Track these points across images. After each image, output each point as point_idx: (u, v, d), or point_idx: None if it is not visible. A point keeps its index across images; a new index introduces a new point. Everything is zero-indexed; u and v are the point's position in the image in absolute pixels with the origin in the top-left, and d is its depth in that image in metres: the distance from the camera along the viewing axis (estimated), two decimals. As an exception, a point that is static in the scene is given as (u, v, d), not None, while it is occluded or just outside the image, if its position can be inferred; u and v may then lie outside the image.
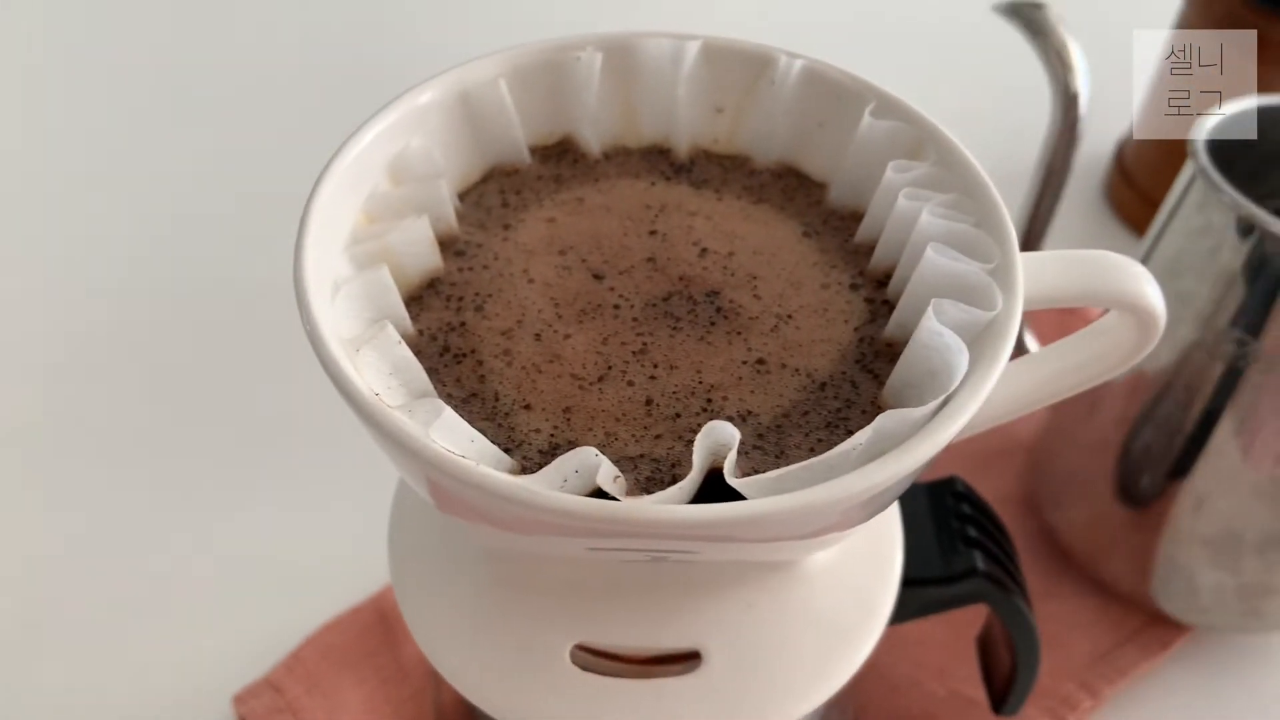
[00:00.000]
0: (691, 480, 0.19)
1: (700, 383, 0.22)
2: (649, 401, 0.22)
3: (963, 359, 0.20)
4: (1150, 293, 0.23)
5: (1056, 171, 0.39)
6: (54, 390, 0.50)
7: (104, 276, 0.56)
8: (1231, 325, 0.34)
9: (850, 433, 0.21)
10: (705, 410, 0.22)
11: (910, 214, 0.23)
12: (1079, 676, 0.40)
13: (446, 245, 0.25)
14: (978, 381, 0.20)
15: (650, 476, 0.20)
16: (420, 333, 0.23)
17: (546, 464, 0.19)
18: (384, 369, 0.21)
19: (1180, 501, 0.37)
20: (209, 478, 0.47)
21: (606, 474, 0.19)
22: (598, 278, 0.24)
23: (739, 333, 0.23)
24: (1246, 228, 0.33)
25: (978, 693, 0.37)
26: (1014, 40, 0.41)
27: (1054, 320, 0.50)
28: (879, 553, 0.28)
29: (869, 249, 0.25)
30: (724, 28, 0.27)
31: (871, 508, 0.21)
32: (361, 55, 0.69)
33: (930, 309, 0.21)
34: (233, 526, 0.45)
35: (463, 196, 0.26)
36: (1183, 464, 0.37)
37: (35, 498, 0.46)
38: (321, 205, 0.22)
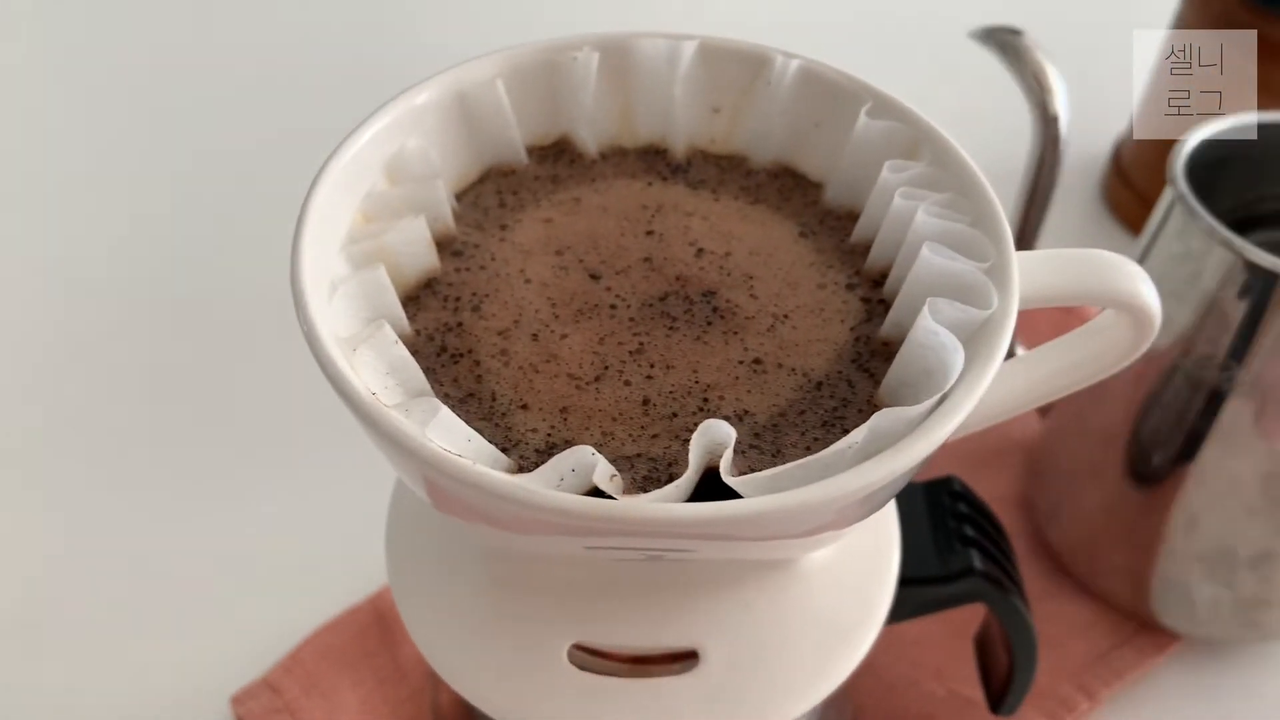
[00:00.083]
0: (688, 479, 0.19)
1: (697, 382, 0.22)
2: (646, 401, 0.22)
3: (958, 358, 0.20)
4: (1145, 291, 0.23)
5: (1041, 189, 0.40)
6: (53, 391, 0.50)
7: (102, 276, 0.56)
8: (1213, 350, 0.34)
9: (846, 431, 0.21)
10: (702, 410, 0.22)
11: (906, 213, 0.23)
12: (1076, 678, 0.40)
13: (444, 245, 0.25)
14: (973, 380, 0.20)
15: (647, 475, 0.20)
16: (417, 332, 0.23)
17: (543, 463, 0.19)
18: (381, 368, 0.21)
19: (1174, 519, 0.37)
20: (207, 478, 0.47)
21: (603, 473, 0.19)
22: (594, 278, 0.24)
23: (735, 332, 0.23)
24: (1226, 255, 0.32)
25: (976, 693, 0.37)
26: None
27: (1052, 320, 0.50)
28: (876, 552, 0.28)
29: (865, 248, 0.25)
30: (720, 28, 0.27)
31: (868, 506, 0.21)
32: (359, 55, 0.69)
33: (926, 308, 0.21)
34: (230, 527, 0.45)
35: (460, 197, 0.26)
36: (1174, 483, 0.37)
37: (34, 498, 0.46)
38: (319, 205, 0.22)
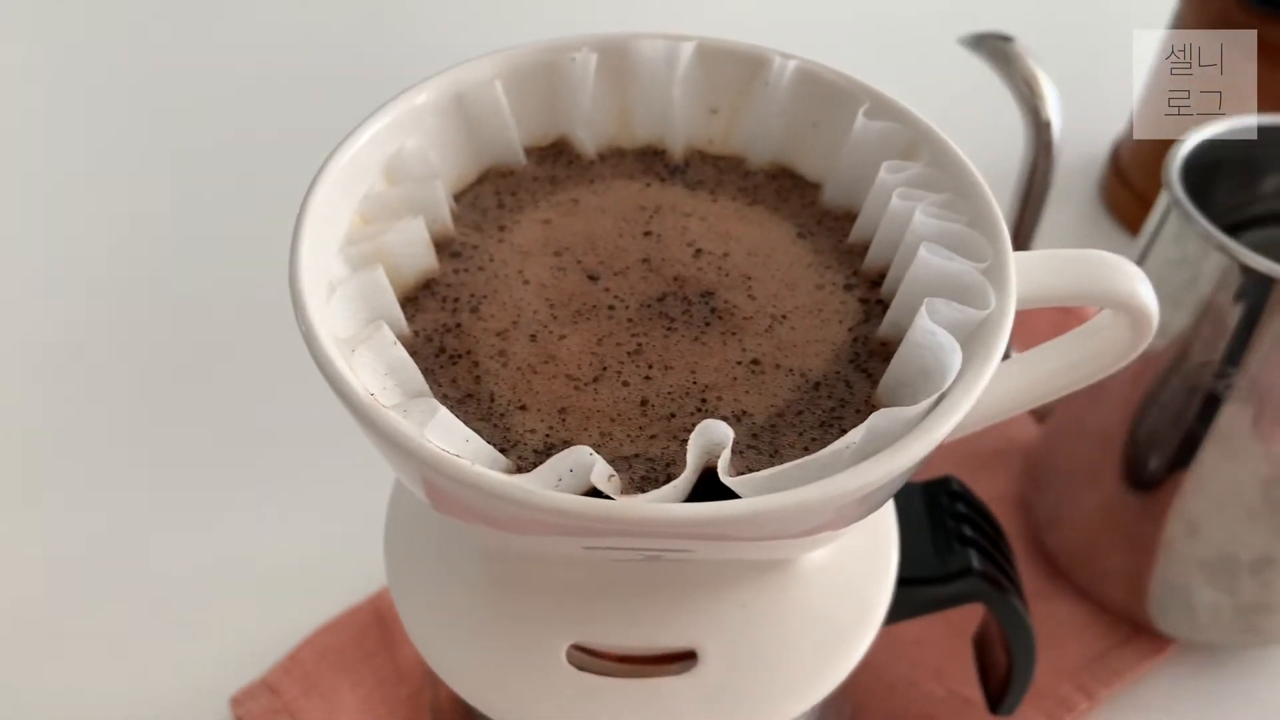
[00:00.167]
0: (686, 479, 0.19)
1: (695, 383, 0.22)
2: (644, 402, 0.22)
3: (956, 358, 0.20)
4: (1143, 292, 0.23)
5: (1035, 194, 0.40)
6: (52, 391, 0.50)
7: (101, 276, 0.56)
8: (1210, 354, 0.34)
9: (844, 432, 0.21)
10: (700, 410, 0.22)
11: (904, 214, 0.23)
12: (1075, 678, 0.40)
13: (442, 246, 0.25)
14: (971, 380, 0.20)
15: (645, 476, 0.20)
16: (416, 333, 0.23)
17: (542, 464, 0.19)
18: (379, 369, 0.21)
19: (1172, 524, 0.37)
20: (206, 478, 0.47)
21: (601, 473, 0.19)
22: (593, 279, 0.24)
23: (733, 333, 0.23)
24: (1222, 259, 0.32)
25: (974, 693, 0.37)
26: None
27: (1051, 321, 0.50)
28: (875, 552, 0.28)
29: (863, 249, 0.25)
30: (718, 28, 0.27)
31: (866, 506, 0.21)
32: (357, 56, 0.69)
33: (924, 308, 0.21)
34: (230, 528, 0.45)
35: (458, 197, 0.26)
36: (1172, 487, 0.37)
37: (34, 498, 0.46)
38: (317, 206, 0.22)
